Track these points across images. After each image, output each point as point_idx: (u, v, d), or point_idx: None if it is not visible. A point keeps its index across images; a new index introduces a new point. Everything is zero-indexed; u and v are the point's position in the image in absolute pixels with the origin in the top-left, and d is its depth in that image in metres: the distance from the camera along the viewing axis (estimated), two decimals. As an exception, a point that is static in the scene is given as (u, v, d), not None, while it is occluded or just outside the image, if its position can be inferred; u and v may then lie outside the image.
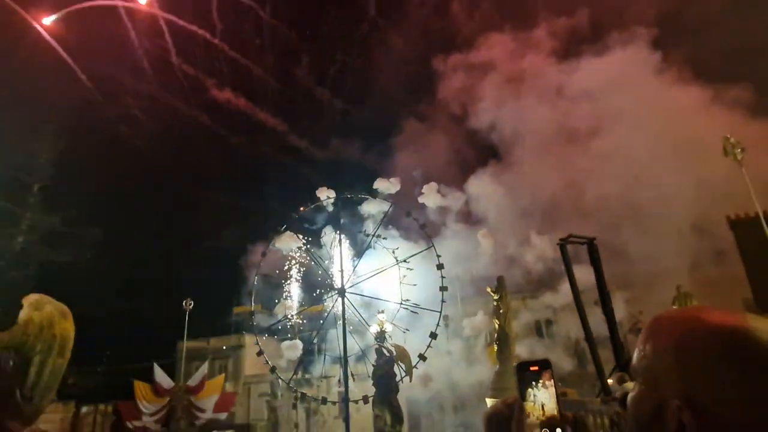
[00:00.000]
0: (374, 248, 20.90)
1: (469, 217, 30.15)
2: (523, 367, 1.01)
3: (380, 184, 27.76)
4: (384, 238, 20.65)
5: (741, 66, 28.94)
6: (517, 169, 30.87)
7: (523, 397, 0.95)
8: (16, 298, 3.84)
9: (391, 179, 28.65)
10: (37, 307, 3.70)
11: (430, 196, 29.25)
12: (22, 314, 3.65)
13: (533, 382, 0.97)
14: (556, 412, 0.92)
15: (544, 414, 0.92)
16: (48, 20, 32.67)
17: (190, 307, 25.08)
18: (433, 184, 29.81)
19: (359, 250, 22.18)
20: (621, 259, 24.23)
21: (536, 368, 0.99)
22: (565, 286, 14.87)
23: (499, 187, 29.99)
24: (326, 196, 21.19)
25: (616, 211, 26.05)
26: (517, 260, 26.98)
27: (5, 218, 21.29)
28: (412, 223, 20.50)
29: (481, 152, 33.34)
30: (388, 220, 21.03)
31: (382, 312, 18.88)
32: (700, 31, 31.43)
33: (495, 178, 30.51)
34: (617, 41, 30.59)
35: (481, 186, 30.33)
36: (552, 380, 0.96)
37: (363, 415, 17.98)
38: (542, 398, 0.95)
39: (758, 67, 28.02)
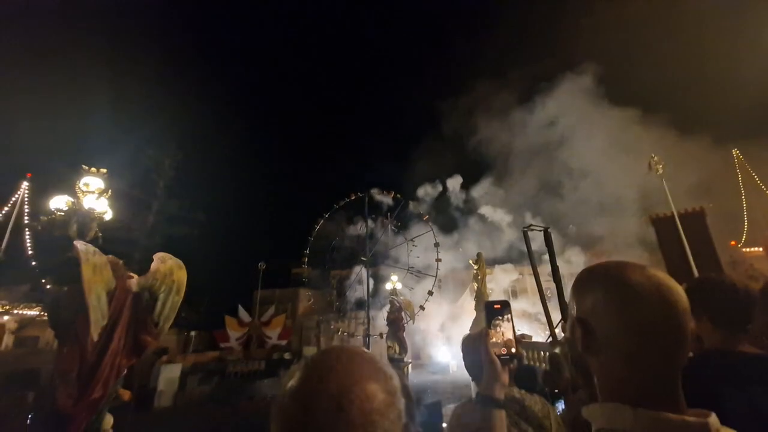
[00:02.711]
0: (394, 231, 21.06)
1: (476, 210, 29.35)
2: (489, 305, 1.00)
3: (422, 190, 27.89)
4: (399, 224, 20.73)
5: (664, 97, 28.01)
6: (509, 176, 30.18)
7: (489, 326, 0.96)
8: (148, 257, 4.04)
9: (431, 185, 28.54)
10: (163, 261, 3.90)
11: (456, 186, 29.26)
12: (153, 266, 3.85)
13: (498, 316, 0.97)
14: (512, 337, 0.94)
15: (503, 338, 0.94)
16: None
17: (263, 267, 25.85)
18: (458, 177, 29.54)
19: (387, 231, 22.25)
20: (590, 238, 23.44)
21: (499, 306, 0.98)
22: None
23: (498, 189, 29.49)
24: (376, 195, 20.79)
25: (584, 203, 25.06)
26: (512, 240, 26.41)
27: (141, 205, 22.27)
28: (440, 214, 20.46)
29: (482, 163, 32.53)
30: (420, 214, 20.51)
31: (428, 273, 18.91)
32: (635, 71, 30.14)
33: (495, 181, 30.06)
34: (573, 74, 29.35)
35: (484, 188, 29.97)
36: (510, 315, 0.97)
37: (379, 346, 18.21)
38: (503, 328, 0.95)
39: (677, 98, 27.20)
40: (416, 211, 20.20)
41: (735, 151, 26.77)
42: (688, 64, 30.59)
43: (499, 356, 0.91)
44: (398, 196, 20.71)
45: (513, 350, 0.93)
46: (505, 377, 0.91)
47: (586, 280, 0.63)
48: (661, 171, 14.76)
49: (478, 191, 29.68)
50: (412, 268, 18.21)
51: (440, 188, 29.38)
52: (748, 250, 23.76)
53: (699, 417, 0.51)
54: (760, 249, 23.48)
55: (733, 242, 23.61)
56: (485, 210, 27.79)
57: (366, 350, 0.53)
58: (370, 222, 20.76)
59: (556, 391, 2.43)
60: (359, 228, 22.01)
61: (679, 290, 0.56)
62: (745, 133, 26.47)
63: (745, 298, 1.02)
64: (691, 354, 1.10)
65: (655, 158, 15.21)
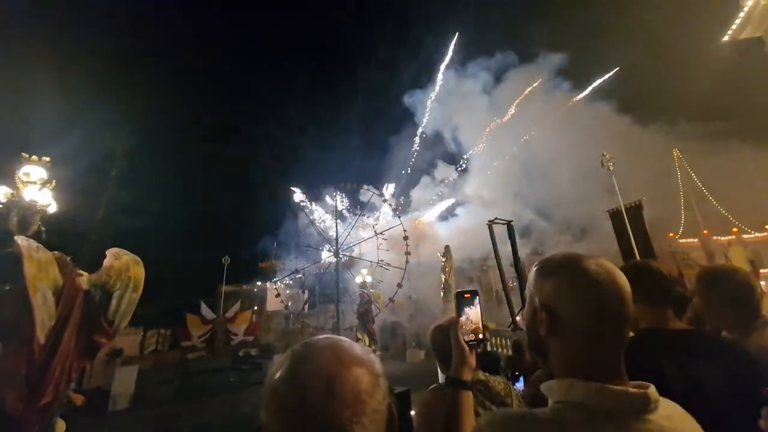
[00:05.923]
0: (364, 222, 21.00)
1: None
2: (459, 294, 1.06)
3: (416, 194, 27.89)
4: (367, 216, 20.70)
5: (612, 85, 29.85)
6: (478, 171, 30.93)
7: (459, 314, 1.02)
8: (100, 251, 3.77)
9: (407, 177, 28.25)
10: (117, 257, 3.66)
11: (443, 171, 29.71)
12: (106, 262, 3.61)
13: (467, 305, 1.02)
14: (480, 324, 1.00)
15: (472, 324, 0.99)
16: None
17: (228, 262, 24.99)
18: (442, 164, 29.94)
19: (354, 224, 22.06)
20: (559, 233, 24.16)
21: (468, 295, 1.05)
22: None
23: (470, 180, 30.12)
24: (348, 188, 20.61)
25: (555, 192, 25.77)
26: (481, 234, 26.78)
27: (92, 195, 20.56)
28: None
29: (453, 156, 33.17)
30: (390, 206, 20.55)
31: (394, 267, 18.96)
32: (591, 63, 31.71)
33: (470, 176, 30.73)
34: (536, 64, 30.59)
35: (460, 182, 30.83)
36: (479, 303, 1.02)
37: (349, 339, 18.27)
38: (472, 315, 1.02)
39: (624, 86, 29.39)
40: (386, 202, 20.29)
41: (675, 151, 29.21)
42: (646, 55, 32.38)
43: (467, 342, 0.97)
44: (368, 189, 20.71)
45: (480, 336, 0.99)
46: (473, 361, 0.97)
47: (547, 270, 0.69)
48: (611, 168, 15.80)
49: (459, 182, 30.27)
50: (382, 260, 18.31)
51: (437, 169, 29.75)
52: (684, 241, 26.27)
53: (640, 389, 0.59)
54: (696, 240, 26.11)
55: (671, 234, 25.95)
56: (471, 199, 28.30)
57: (348, 339, 0.56)
58: (341, 215, 20.63)
59: (517, 373, 2.60)
60: (329, 221, 21.81)
61: (625, 278, 0.65)
62: (697, 125, 28.57)
63: (667, 280, 1.19)
64: (631, 333, 1.24)
65: (607, 155, 16.22)
